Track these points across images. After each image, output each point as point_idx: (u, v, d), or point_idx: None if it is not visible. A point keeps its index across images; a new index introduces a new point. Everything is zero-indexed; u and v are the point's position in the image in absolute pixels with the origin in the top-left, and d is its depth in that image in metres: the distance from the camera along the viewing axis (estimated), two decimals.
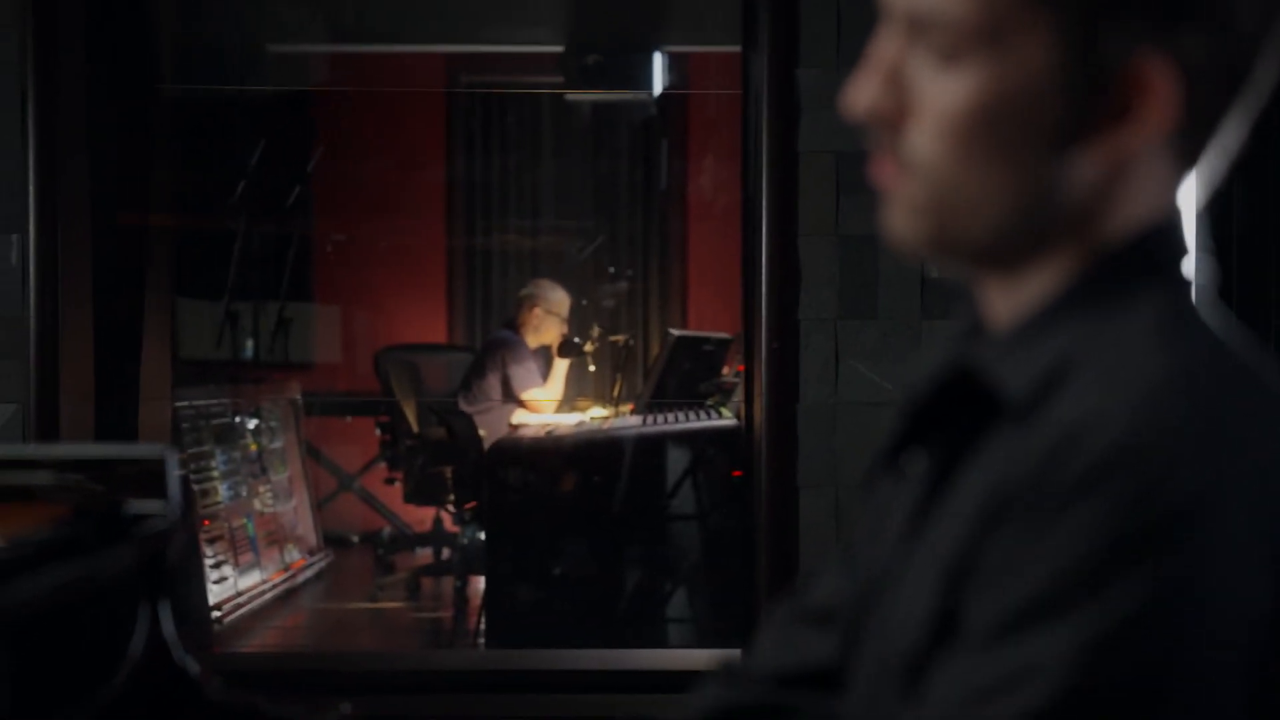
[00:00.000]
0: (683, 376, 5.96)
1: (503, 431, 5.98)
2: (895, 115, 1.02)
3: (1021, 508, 0.91)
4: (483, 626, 5.72)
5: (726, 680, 1.29)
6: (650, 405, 5.91)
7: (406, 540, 7.11)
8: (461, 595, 6.04)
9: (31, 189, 3.75)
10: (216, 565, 5.66)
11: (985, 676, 0.89)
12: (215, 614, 5.52)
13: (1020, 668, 0.87)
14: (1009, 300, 1.05)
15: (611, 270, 7.98)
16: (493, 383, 6.25)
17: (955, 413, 1.03)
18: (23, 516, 1.48)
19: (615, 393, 6.55)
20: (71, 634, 1.53)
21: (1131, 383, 0.92)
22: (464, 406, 6.22)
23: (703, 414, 5.65)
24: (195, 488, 5.63)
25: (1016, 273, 1.04)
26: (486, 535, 5.68)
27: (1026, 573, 0.89)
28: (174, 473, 1.63)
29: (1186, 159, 1.03)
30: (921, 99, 1.01)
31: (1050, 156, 0.99)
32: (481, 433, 5.99)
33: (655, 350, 7.05)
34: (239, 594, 5.79)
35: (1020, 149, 0.99)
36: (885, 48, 1.03)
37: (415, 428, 6.54)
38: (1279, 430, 0.94)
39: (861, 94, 1.03)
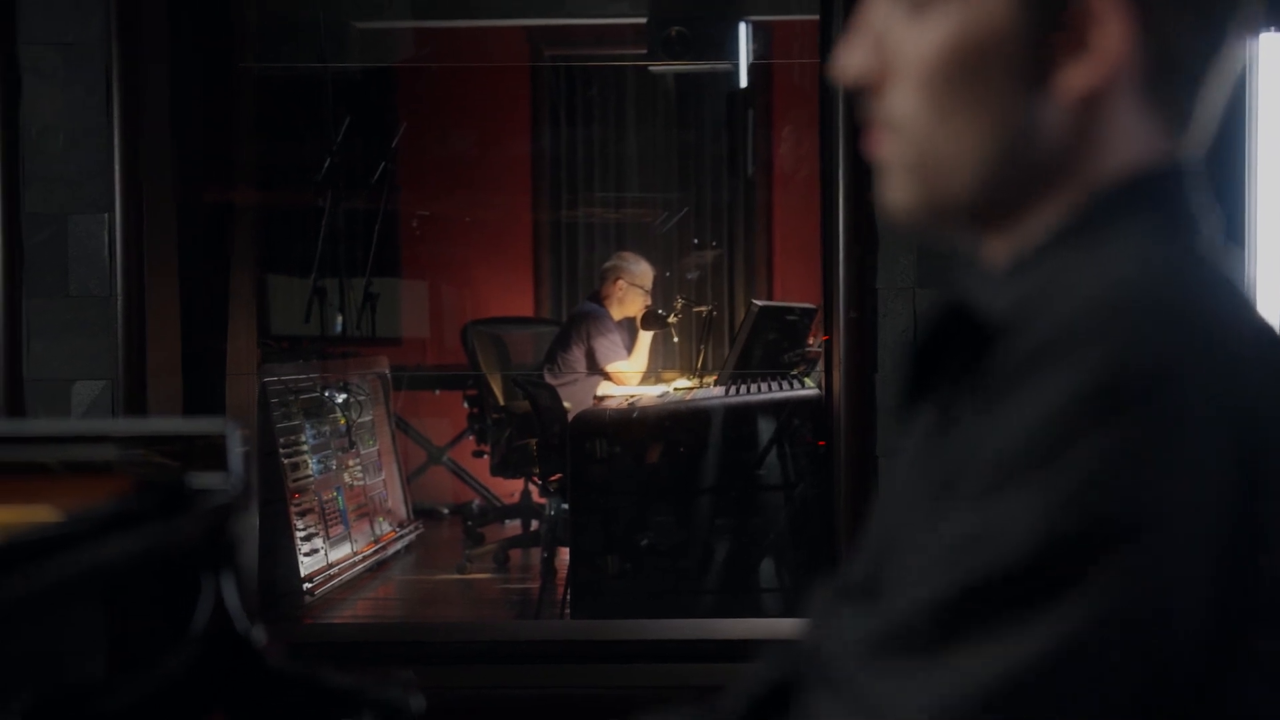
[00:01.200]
0: (767, 347, 5.95)
1: (587, 403, 6.00)
2: (880, 78, 1.06)
3: (993, 387, 0.94)
4: (569, 597, 5.75)
5: (773, 659, 1.30)
6: (734, 376, 5.90)
7: (495, 512, 7.16)
8: (549, 566, 6.07)
9: (117, 168, 3.80)
10: (307, 538, 5.73)
11: (959, 535, 0.92)
12: (306, 586, 5.59)
13: (991, 527, 0.91)
14: (1006, 254, 1.08)
15: (696, 242, 7.97)
16: (577, 355, 6.27)
17: (957, 360, 1.04)
18: (86, 490, 1.51)
19: (699, 364, 6.54)
20: (136, 606, 1.56)
21: (1098, 276, 0.97)
22: (549, 379, 6.25)
23: (787, 384, 5.64)
24: (285, 461, 5.70)
25: (1009, 229, 1.07)
26: (571, 507, 5.69)
27: (995, 439, 0.92)
28: (236, 447, 1.66)
29: (1167, 105, 1.05)
30: (899, 56, 1.05)
31: (1021, 98, 1.02)
32: (566, 405, 6.01)
33: (740, 321, 7.03)
34: (330, 566, 5.86)
35: (991, 92, 1.03)
36: (871, 14, 1.07)
37: (501, 400, 6.58)
38: (1244, 325, 0.98)
39: (850, 60, 1.07)
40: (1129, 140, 1.04)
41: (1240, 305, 1.01)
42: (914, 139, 1.05)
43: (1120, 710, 0.90)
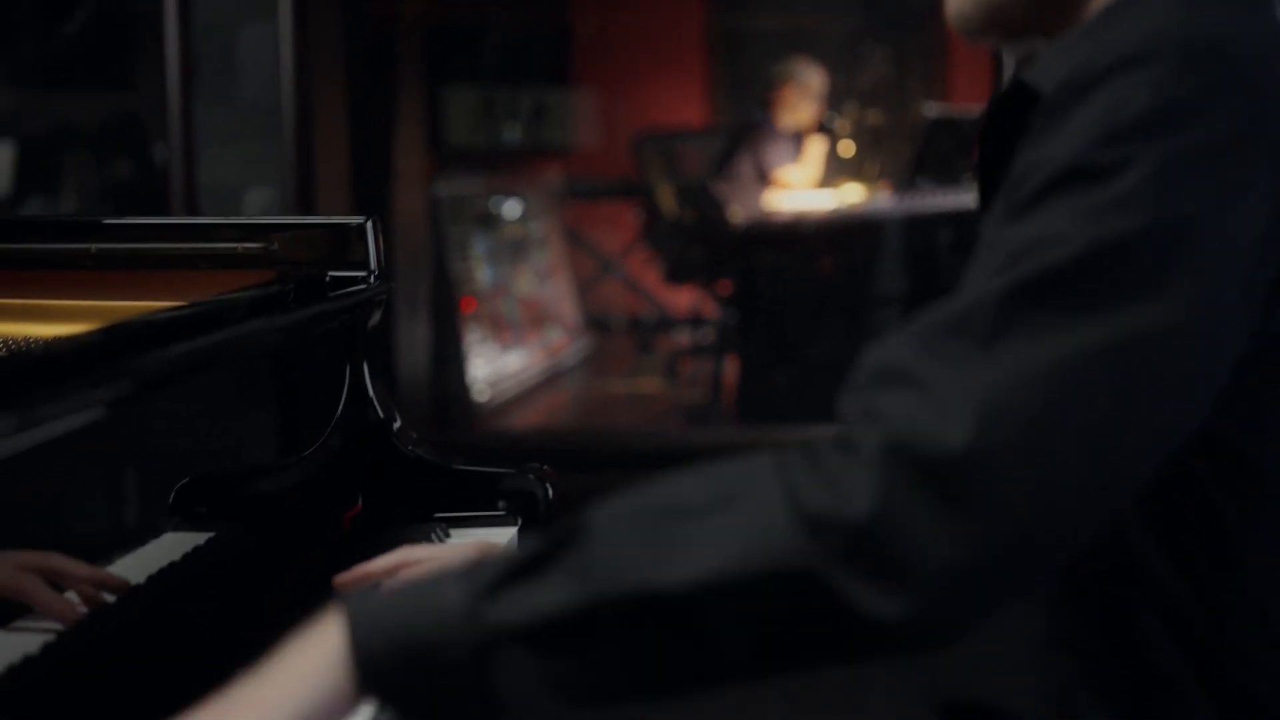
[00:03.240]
0: (940, 156, 5.84)
1: (756, 213, 5.98)
2: None
3: (1042, 124, 1.00)
4: (738, 405, 5.80)
5: None
6: (906, 185, 5.82)
7: (666, 322, 7.20)
8: (718, 375, 6.11)
9: None
10: (479, 347, 5.83)
11: (1016, 241, 0.96)
12: (478, 393, 5.70)
13: (1048, 231, 0.95)
14: None
15: (870, 47, 7.79)
16: (746, 164, 6.22)
17: (1016, 134, 1.06)
18: (227, 282, 1.55)
19: (870, 173, 6.46)
20: (279, 394, 1.62)
21: (1146, 19, 1.01)
22: (718, 189, 6.22)
23: (960, 193, 5.53)
24: (456, 271, 5.79)
25: (1065, 28, 1.10)
26: (740, 316, 5.71)
27: (1052, 157, 0.97)
28: (374, 241, 1.69)
29: None
30: None
31: None
32: (735, 214, 5.99)
33: (912, 129, 6.90)
34: (501, 374, 5.97)
35: None
36: None
37: (671, 211, 6.58)
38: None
39: None
40: None
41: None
42: None
43: (1148, 405, 0.95)
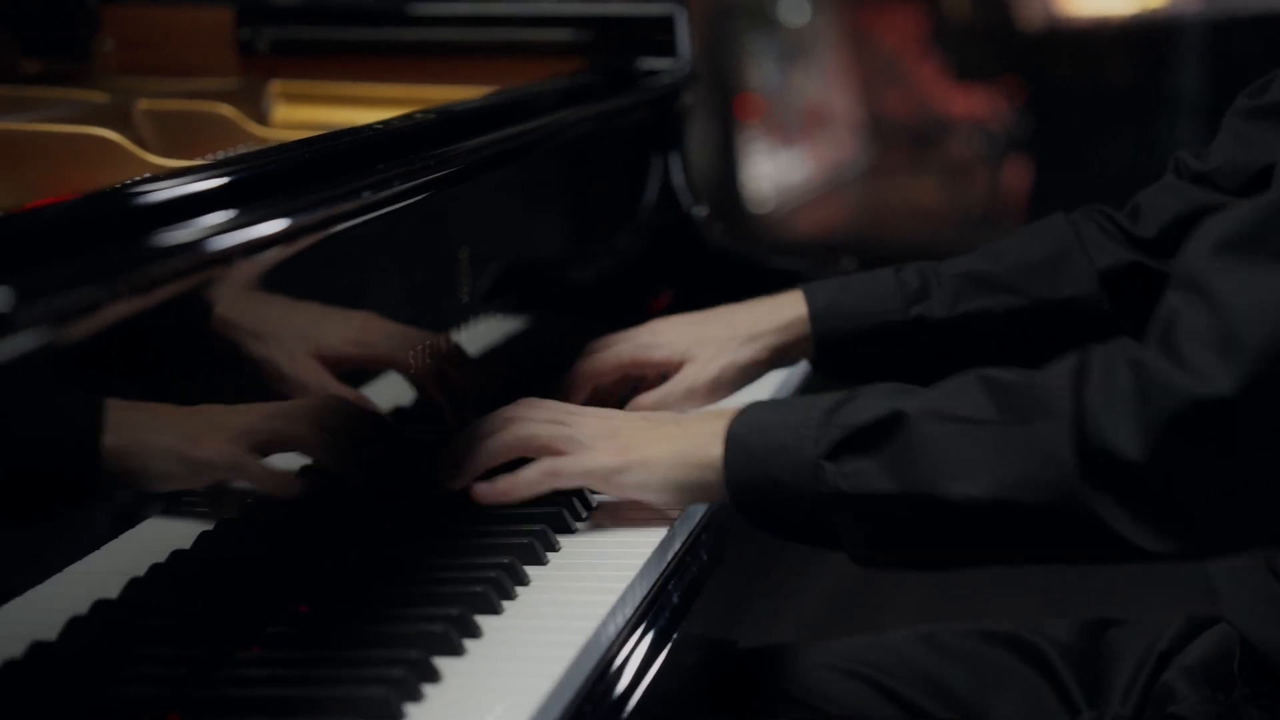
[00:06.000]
0: None
1: (1054, 13, 5.78)
2: None
3: None
4: (1028, 210, 5.67)
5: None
6: None
7: (952, 126, 7.03)
8: (1006, 181, 5.97)
9: None
10: (759, 150, 5.78)
11: None
12: (757, 197, 5.68)
13: None
14: None
15: None
16: None
17: None
18: (536, 70, 1.55)
19: None
20: (588, 185, 1.63)
21: None
22: None
23: None
24: (738, 74, 5.73)
25: None
26: (1029, 121, 5.56)
27: None
28: (683, 30, 1.67)
29: None
30: None
31: None
32: (1033, 15, 5.80)
33: None
34: (782, 180, 5.92)
35: None
36: None
37: (961, 10, 6.40)
38: None
39: None
40: None
41: None
42: None
43: None
